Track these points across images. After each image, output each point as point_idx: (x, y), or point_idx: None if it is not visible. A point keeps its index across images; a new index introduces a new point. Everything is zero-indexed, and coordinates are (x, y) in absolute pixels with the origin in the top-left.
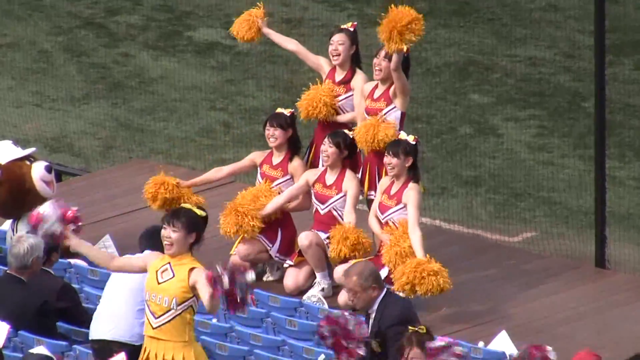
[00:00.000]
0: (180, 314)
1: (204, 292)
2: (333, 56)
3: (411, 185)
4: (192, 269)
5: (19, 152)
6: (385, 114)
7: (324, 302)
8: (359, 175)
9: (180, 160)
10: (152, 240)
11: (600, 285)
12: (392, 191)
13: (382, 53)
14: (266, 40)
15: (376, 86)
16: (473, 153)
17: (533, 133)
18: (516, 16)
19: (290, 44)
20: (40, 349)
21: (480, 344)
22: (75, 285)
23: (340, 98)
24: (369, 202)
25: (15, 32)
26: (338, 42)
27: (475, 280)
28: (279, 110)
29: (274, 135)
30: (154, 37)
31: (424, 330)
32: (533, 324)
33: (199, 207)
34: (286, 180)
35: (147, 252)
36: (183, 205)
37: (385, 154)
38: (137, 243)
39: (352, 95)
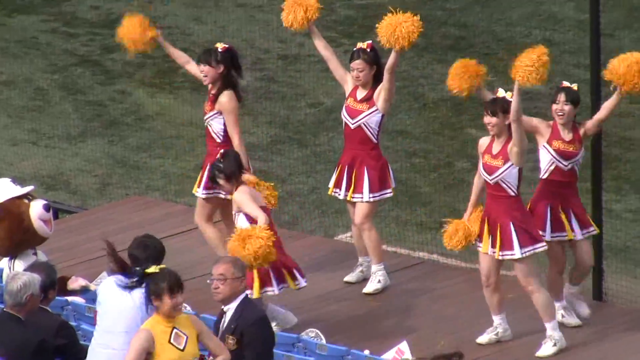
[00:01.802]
0: None
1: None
2: (355, 79)
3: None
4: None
5: (18, 190)
6: (366, 116)
7: (322, 337)
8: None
9: (177, 197)
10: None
11: (597, 318)
12: (495, 150)
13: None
14: (263, 76)
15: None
16: (470, 187)
17: (530, 167)
18: (512, 51)
19: (325, 50)
20: None
21: None
22: (72, 323)
23: (363, 114)
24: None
25: (11, 69)
26: (358, 70)
27: (474, 313)
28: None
29: (203, 71)
30: (150, 74)
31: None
32: (534, 357)
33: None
34: (213, 115)
35: None
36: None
37: (484, 113)
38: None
39: (376, 110)
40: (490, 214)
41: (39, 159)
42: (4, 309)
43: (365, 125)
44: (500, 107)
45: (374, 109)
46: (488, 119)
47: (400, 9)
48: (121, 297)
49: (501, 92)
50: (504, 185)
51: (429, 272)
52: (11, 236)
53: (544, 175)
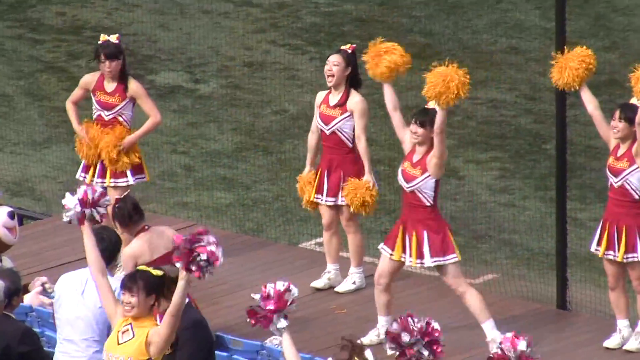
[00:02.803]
0: None
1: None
2: (327, 77)
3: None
4: (149, 332)
5: None
6: (339, 122)
7: None
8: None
9: (142, 204)
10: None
11: (561, 326)
12: (415, 159)
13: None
14: (228, 83)
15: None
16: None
17: (494, 175)
18: (477, 59)
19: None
20: None
21: None
22: (36, 329)
23: (336, 121)
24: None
25: None
26: (333, 63)
27: (440, 322)
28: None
29: (109, 67)
30: None
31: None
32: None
33: (156, 268)
34: (125, 104)
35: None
36: (139, 267)
37: (412, 121)
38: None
39: (349, 116)
40: (407, 221)
41: (3, 165)
42: None
43: (339, 130)
44: (430, 120)
45: (347, 114)
46: (415, 128)
47: (366, 18)
48: (75, 303)
49: (432, 103)
50: (420, 195)
51: (395, 279)
52: None
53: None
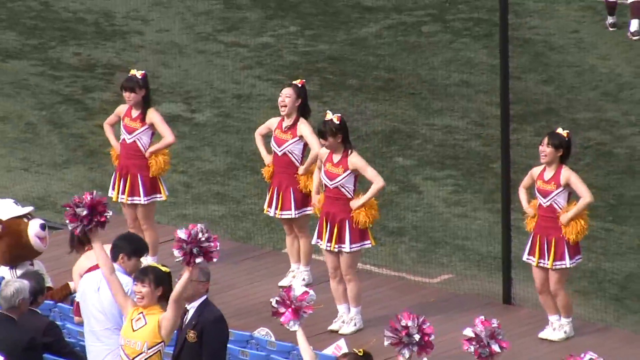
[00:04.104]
0: (150, 356)
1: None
2: (281, 107)
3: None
4: (160, 317)
5: (19, 210)
6: (290, 144)
7: (272, 336)
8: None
9: None
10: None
11: (507, 319)
12: (335, 160)
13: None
14: (220, 113)
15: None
16: (398, 207)
17: (449, 190)
18: (434, 91)
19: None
20: None
21: None
22: (59, 323)
23: (287, 143)
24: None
25: (5, 107)
26: (285, 95)
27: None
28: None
29: (129, 98)
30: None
31: (362, 353)
32: (450, 352)
33: (163, 265)
34: (143, 130)
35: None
36: (150, 264)
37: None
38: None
39: (298, 140)
40: (329, 213)
41: (30, 183)
42: (0, 312)
43: (289, 152)
44: (330, 131)
45: (296, 139)
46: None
47: (338, 56)
48: (94, 299)
49: (329, 115)
50: (343, 190)
51: (362, 280)
52: (10, 251)
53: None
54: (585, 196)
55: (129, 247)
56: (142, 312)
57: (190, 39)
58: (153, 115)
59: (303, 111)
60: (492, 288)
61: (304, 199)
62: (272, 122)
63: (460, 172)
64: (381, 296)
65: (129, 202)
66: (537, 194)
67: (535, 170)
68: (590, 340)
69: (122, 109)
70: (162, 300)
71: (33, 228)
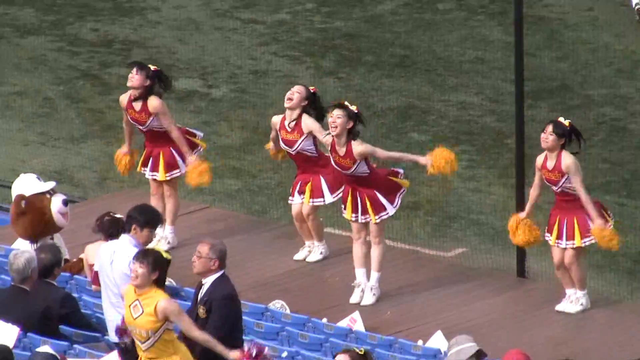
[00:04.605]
0: (159, 337)
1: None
2: (287, 99)
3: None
4: (157, 304)
5: (42, 186)
6: (301, 143)
7: (287, 308)
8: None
9: None
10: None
11: (520, 292)
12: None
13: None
14: (237, 88)
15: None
16: (413, 182)
17: (464, 165)
18: (449, 67)
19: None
20: (46, 348)
21: (419, 343)
22: (75, 295)
23: (297, 144)
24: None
25: (24, 82)
26: (296, 91)
27: (415, 289)
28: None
29: (132, 77)
30: None
31: (362, 352)
32: (463, 325)
33: (166, 251)
34: (152, 120)
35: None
36: (154, 247)
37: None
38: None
39: (306, 137)
40: (355, 187)
41: (47, 157)
42: (13, 284)
43: (302, 150)
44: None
45: (304, 137)
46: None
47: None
48: (109, 270)
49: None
50: (360, 174)
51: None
52: (33, 226)
53: None
54: (581, 195)
55: (142, 218)
56: (137, 299)
57: (207, 16)
58: (155, 102)
59: (307, 110)
60: (506, 262)
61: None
62: (275, 122)
63: (474, 147)
64: (396, 270)
65: (150, 176)
66: (547, 182)
67: (538, 161)
68: (604, 314)
69: (123, 99)
70: (156, 283)
71: (55, 204)
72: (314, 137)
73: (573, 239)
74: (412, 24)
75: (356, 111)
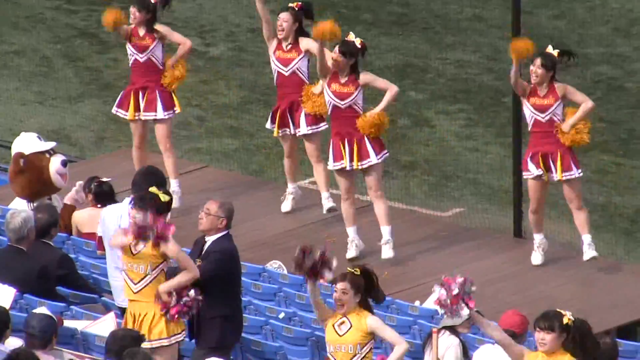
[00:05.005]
0: (155, 277)
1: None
2: (278, 30)
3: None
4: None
5: (41, 145)
6: (298, 61)
7: (284, 268)
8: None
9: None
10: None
11: (517, 252)
12: (343, 80)
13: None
14: (235, 47)
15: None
16: (410, 142)
17: (461, 124)
18: (446, 25)
19: (266, 14)
20: (43, 310)
21: (417, 303)
22: (72, 255)
23: (294, 62)
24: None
25: (21, 41)
26: (283, 19)
27: (413, 249)
28: None
29: (134, 16)
30: None
31: (358, 272)
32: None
33: (165, 192)
34: (156, 44)
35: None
36: (150, 189)
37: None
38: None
39: (304, 56)
40: (344, 132)
41: (44, 117)
42: (9, 244)
43: (298, 70)
44: (349, 51)
45: (301, 56)
46: (336, 56)
47: None
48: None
49: (351, 36)
50: (355, 107)
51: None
52: (31, 185)
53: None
54: (587, 101)
55: (148, 181)
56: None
57: None
58: (160, 27)
59: (300, 33)
60: (503, 221)
61: (315, 118)
62: (271, 45)
63: (472, 106)
64: (393, 230)
65: (143, 117)
66: (533, 112)
67: (524, 89)
68: (601, 274)
69: (127, 30)
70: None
71: (54, 164)
72: (308, 60)
73: (571, 170)
74: None
75: (360, 45)
